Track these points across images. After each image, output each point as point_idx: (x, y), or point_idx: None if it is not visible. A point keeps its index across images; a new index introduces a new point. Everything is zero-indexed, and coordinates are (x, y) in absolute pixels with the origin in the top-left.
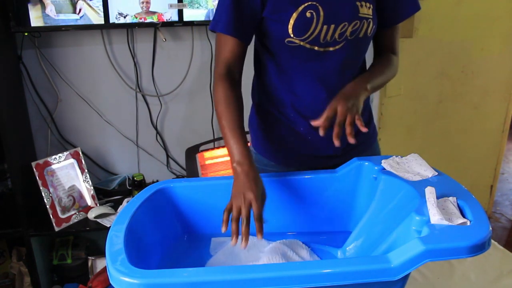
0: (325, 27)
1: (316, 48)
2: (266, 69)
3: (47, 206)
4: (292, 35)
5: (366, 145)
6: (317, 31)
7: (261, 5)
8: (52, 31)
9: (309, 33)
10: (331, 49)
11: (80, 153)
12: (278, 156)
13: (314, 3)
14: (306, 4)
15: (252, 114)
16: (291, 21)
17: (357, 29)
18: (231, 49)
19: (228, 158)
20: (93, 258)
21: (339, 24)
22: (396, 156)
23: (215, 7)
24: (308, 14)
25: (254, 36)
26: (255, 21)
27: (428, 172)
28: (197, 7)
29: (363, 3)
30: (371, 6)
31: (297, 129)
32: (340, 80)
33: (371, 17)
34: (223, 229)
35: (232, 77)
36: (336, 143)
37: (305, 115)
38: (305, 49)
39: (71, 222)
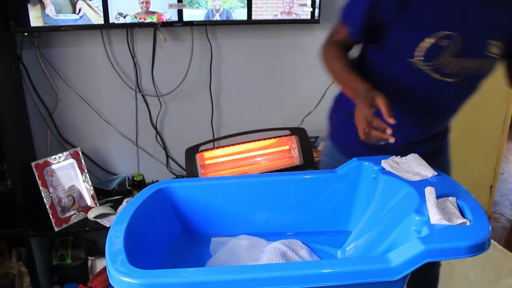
0: (454, 59)
1: (434, 75)
2: (367, 68)
3: (47, 206)
4: (418, 58)
5: (437, 159)
6: (446, 61)
7: (399, 16)
8: (52, 31)
9: (436, 61)
10: (448, 80)
11: (80, 153)
12: (355, 154)
13: (453, 33)
14: (445, 33)
15: (335, 109)
16: (423, 45)
17: (482, 67)
18: (344, 40)
19: (228, 158)
20: (93, 258)
21: (466, 58)
22: (396, 156)
23: (215, 7)
24: (443, 43)
25: None
26: (383, 28)
27: (427, 172)
28: (197, 7)
29: (495, 42)
30: (500, 45)
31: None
32: (442, 112)
33: (498, 56)
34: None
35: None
36: None
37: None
38: (423, 73)
39: (70, 222)
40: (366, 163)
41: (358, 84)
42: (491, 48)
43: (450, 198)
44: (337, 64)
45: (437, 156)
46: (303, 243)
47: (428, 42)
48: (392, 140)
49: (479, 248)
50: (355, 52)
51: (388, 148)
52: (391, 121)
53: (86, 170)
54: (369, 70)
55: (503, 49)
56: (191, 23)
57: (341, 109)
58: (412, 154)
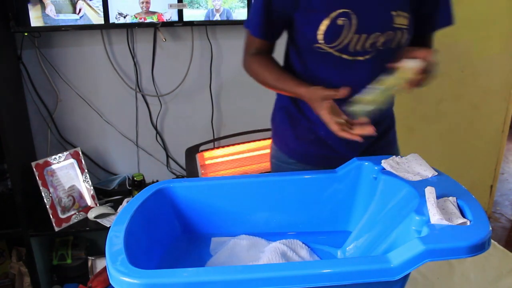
0: (356, 36)
1: (344, 56)
2: (294, 68)
3: (47, 206)
4: (321, 42)
5: (385, 151)
6: (347, 39)
7: (294, 6)
8: (52, 31)
9: (338, 41)
10: (360, 58)
11: (80, 153)
12: (297, 154)
13: (348, 10)
14: (339, 11)
15: (275, 110)
16: (322, 27)
17: (390, 40)
18: (259, 46)
19: (228, 158)
20: (93, 258)
21: (371, 34)
22: (396, 156)
23: (215, 7)
24: (340, 22)
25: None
26: (286, 21)
27: (428, 172)
28: (197, 7)
29: (400, 13)
30: (407, 15)
31: (318, 132)
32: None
33: (407, 27)
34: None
35: (262, 53)
36: None
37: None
38: (333, 56)
39: (71, 222)
40: (366, 163)
41: (297, 90)
42: (396, 19)
43: (450, 198)
44: (266, 76)
45: (387, 147)
46: (303, 243)
47: (325, 24)
48: (370, 131)
49: (479, 248)
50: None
51: (328, 141)
52: (344, 92)
53: (86, 170)
54: (294, 71)
55: (411, 20)
56: (191, 23)
57: (280, 108)
58: (412, 154)
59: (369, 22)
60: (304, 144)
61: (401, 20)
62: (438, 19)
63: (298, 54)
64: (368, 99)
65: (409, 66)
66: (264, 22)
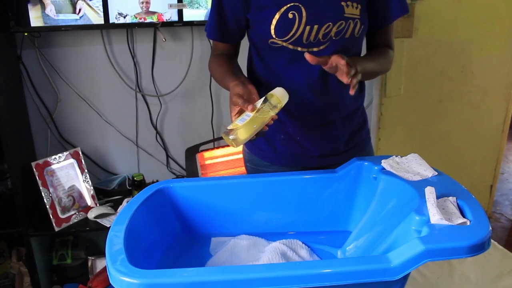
0: (308, 27)
1: (299, 48)
2: (256, 67)
3: (47, 206)
4: (274, 36)
5: (359, 148)
6: (299, 31)
7: (245, 7)
8: (52, 31)
9: (291, 33)
10: (315, 49)
11: (80, 153)
12: (269, 155)
13: (297, 4)
14: (288, 5)
15: None
16: (273, 22)
17: (343, 29)
18: (222, 48)
19: (228, 158)
20: (93, 258)
21: (323, 25)
22: (396, 156)
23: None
24: (290, 15)
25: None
26: (240, 23)
27: (428, 172)
28: (197, 7)
29: (350, 3)
30: (358, 6)
31: (286, 129)
32: (325, 82)
33: (359, 17)
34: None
35: (226, 56)
36: (354, 81)
37: (293, 115)
38: (288, 50)
39: (71, 222)
40: (366, 163)
41: (230, 82)
42: (347, 9)
43: (450, 198)
44: (218, 73)
45: (361, 144)
46: (303, 243)
47: (276, 18)
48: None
49: (479, 248)
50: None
51: (297, 138)
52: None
53: (86, 170)
54: (258, 76)
55: (363, 10)
56: (191, 23)
57: None
58: (412, 154)
59: (319, 13)
60: (274, 144)
61: (352, 10)
62: (392, 10)
63: (258, 54)
64: (239, 127)
65: (276, 93)
66: (217, 24)
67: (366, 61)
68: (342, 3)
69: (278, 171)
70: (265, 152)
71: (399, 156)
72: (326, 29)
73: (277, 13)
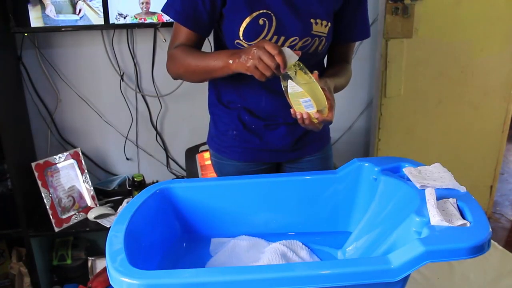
0: (275, 37)
1: None
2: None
3: (47, 207)
4: (241, 38)
5: (318, 146)
6: (267, 39)
7: (223, 1)
8: (52, 31)
9: (258, 39)
10: None
11: (80, 153)
12: (232, 151)
13: (269, 12)
14: (260, 11)
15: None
16: (243, 24)
17: (308, 45)
18: (185, 40)
19: None
20: (93, 258)
21: (290, 38)
22: (418, 165)
23: None
24: (261, 22)
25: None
26: (215, 15)
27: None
28: None
29: (319, 21)
30: (328, 24)
31: (248, 126)
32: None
33: (325, 35)
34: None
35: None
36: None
37: (252, 113)
38: None
39: (71, 223)
40: (367, 164)
41: (221, 53)
42: (315, 27)
43: (450, 199)
44: (189, 59)
45: (320, 142)
46: (303, 243)
47: (247, 21)
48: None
49: (479, 249)
50: None
51: (252, 127)
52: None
53: (86, 171)
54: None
55: (331, 29)
56: None
57: (212, 113)
58: (435, 164)
59: (288, 26)
60: (236, 140)
61: (321, 28)
62: (356, 33)
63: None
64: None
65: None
66: (191, 12)
67: (337, 79)
68: (312, 20)
69: (242, 168)
70: (226, 148)
71: (421, 165)
72: (292, 42)
73: (248, 17)
